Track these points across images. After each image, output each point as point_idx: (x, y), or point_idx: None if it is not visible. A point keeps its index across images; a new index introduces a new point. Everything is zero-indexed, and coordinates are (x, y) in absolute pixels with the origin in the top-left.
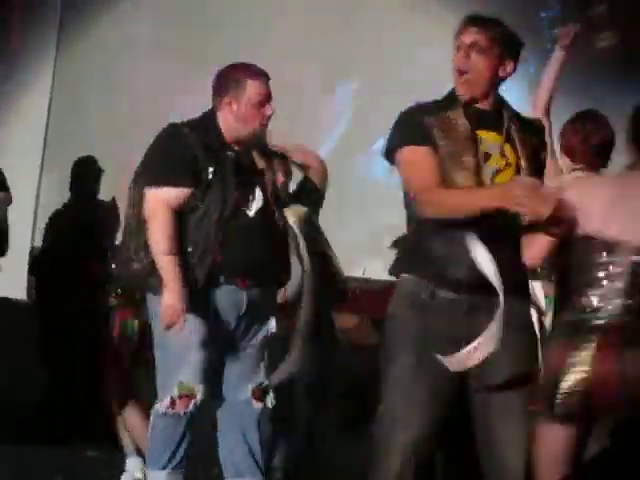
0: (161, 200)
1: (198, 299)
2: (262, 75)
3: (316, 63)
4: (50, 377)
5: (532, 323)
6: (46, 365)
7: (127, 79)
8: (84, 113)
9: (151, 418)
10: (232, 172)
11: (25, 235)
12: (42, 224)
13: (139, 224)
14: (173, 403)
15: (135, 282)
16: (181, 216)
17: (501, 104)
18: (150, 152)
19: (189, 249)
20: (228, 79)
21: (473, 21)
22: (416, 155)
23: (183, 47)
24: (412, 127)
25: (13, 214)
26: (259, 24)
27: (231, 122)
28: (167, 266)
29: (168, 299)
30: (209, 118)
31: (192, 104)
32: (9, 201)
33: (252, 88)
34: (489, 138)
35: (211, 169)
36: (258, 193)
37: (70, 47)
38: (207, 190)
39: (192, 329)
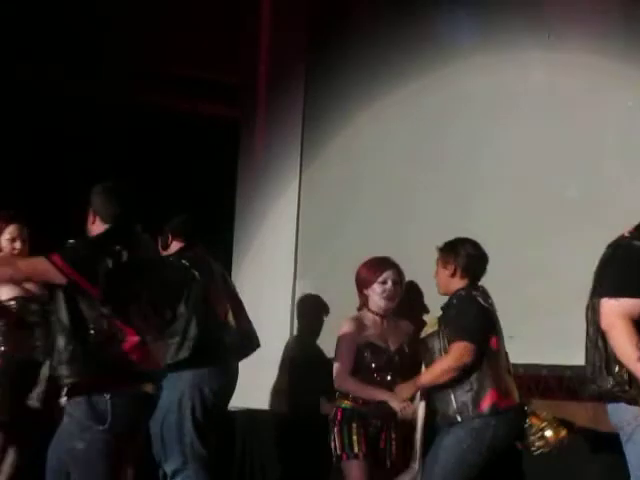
0: (621, 310)
1: None
2: None
3: None
4: None
5: None
6: None
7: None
8: (332, 216)
9: None
10: None
11: (284, 336)
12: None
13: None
14: None
15: (607, 396)
16: None
17: None
18: (609, 267)
19: None
20: None
21: None
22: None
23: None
24: None
25: (271, 314)
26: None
27: None
28: None
29: None
30: None
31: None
32: None
33: None
34: None
35: None
36: None
37: (315, 159)
38: None
39: None
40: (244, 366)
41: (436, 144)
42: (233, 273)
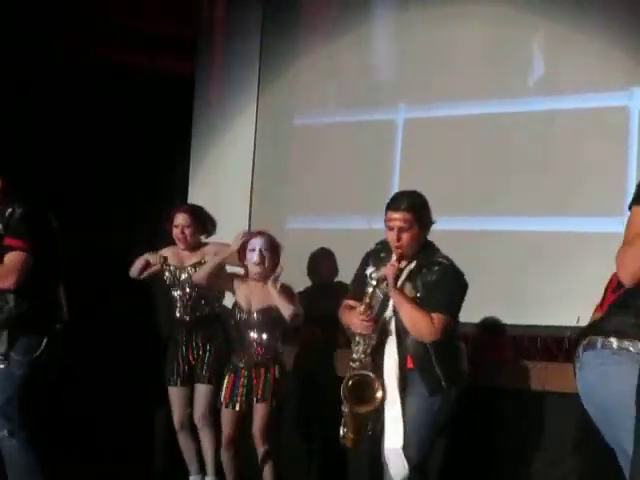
0: None
1: None
2: None
3: None
4: None
5: None
6: None
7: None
8: (287, 166)
9: None
10: None
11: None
12: None
13: None
14: None
15: None
16: None
17: None
18: None
19: None
20: None
21: None
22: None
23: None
24: None
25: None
26: None
27: None
28: None
29: None
30: None
31: None
32: None
33: None
34: None
35: None
36: None
37: (271, 88)
38: None
39: None
40: None
41: (390, 80)
42: None
